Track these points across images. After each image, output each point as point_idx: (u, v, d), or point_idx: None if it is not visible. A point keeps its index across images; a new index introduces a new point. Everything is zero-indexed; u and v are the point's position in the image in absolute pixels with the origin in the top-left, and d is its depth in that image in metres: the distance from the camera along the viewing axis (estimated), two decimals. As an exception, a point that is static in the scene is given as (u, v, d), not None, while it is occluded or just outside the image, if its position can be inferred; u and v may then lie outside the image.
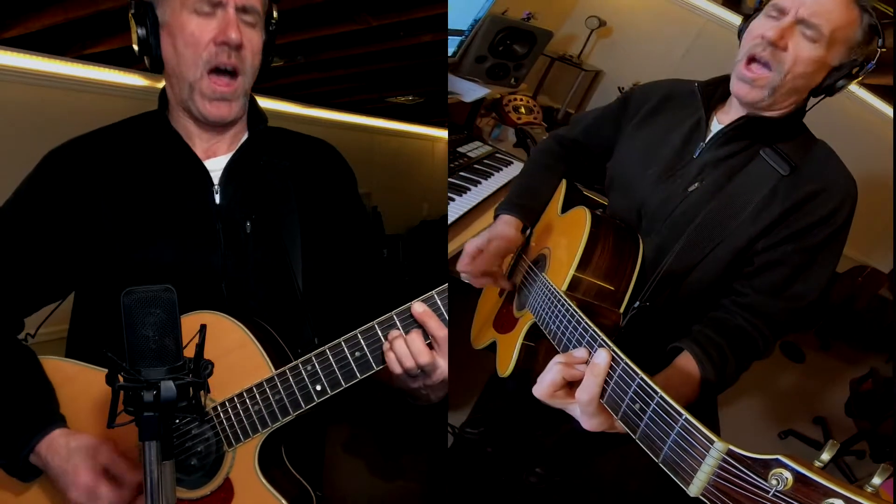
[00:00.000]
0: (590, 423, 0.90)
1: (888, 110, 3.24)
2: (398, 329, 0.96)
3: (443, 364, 0.98)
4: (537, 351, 1.21)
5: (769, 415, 3.29)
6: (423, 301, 0.96)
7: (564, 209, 1.38)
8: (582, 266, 1.16)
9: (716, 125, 1.24)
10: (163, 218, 1.06)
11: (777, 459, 0.59)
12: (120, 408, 0.78)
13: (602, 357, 0.86)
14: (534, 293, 1.22)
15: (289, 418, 0.99)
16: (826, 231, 1.11)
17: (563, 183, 1.47)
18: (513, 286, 1.41)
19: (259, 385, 0.99)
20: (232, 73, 1.03)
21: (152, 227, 1.05)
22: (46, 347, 1.10)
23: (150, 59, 1.06)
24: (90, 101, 3.41)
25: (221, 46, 1.00)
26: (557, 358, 0.93)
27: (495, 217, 1.43)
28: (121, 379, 0.77)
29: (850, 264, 3.92)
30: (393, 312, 0.97)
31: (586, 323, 0.94)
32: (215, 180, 1.09)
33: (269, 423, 0.99)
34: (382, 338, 0.96)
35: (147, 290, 0.76)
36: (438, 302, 0.96)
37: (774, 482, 0.59)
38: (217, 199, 1.08)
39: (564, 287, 1.15)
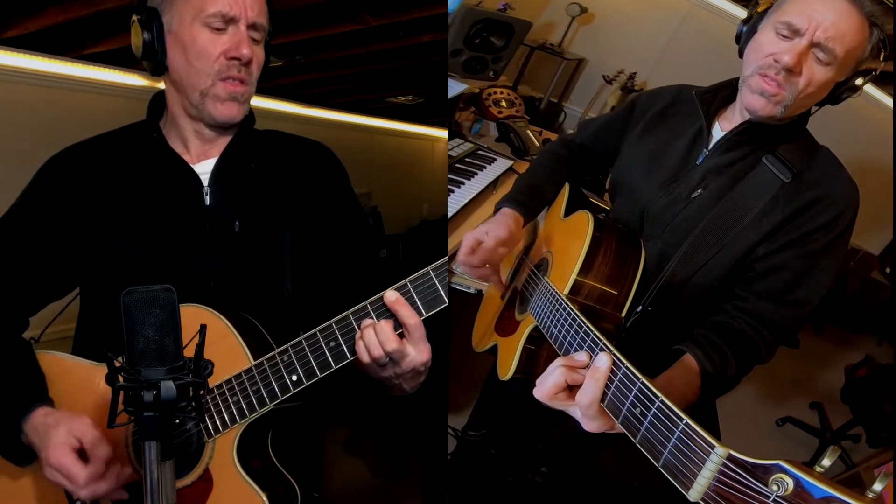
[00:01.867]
0: (590, 425, 0.90)
1: (881, 96, 3.24)
2: (371, 318, 0.97)
3: (412, 352, 0.98)
4: (538, 354, 1.21)
5: (766, 401, 3.30)
6: (396, 289, 0.96)
7: (567, 213, 1.38)
8: (584, 270, 1.16)
9: (718, 131, 1.24)
10: (155, 220, 1.09)
11: (778, 465, 0.59)
12: (120, 407, 0.78)
13: (603, 361, 0.86)
14: (535, 297, 1.22)
15: (266, 409, 1.00)
16: (827, 238, 1.11)
17: (567, 187, 1.47)
18: (514, 289, 1.40)
19: (237, 376, 1.00)
20: (241, 82, 1.07)
21: (145, 230, 1.09)
22: (53, 346, 1.12)
23: (153, 64, 1.09)
24: (90, 101, 3.41)
25: (232, 61, 1.04)
26: (560, 361, 0.93)
27: (495, 211, 1.42)
28: (121, 379, 0.77)
29: (843, 248, 3.93)
30: (367, 301, 0.98)
31: (588, 327, 0.94)
32: (205, 182, 1.11)
33: (247, 414, 1.00)
34: (356, 327, 0.97)
35: (147, 290, 0.76)
36: (412, 290, 0.96)
37: (775, 487, 0.59)
38: (207, 200, 1.11)
39: (566, 291, 1.14)
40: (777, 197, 1.12)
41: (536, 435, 1.81)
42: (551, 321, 1.08)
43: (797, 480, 0.58)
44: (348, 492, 2.78)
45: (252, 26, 1.06)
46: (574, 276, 1.15)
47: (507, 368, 1.22)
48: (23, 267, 1.11)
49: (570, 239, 1.26)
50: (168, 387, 0.76)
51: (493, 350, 1.37)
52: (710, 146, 1.23)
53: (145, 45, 1.07)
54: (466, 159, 2.34)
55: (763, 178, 1.14)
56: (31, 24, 2.65)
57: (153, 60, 1.08)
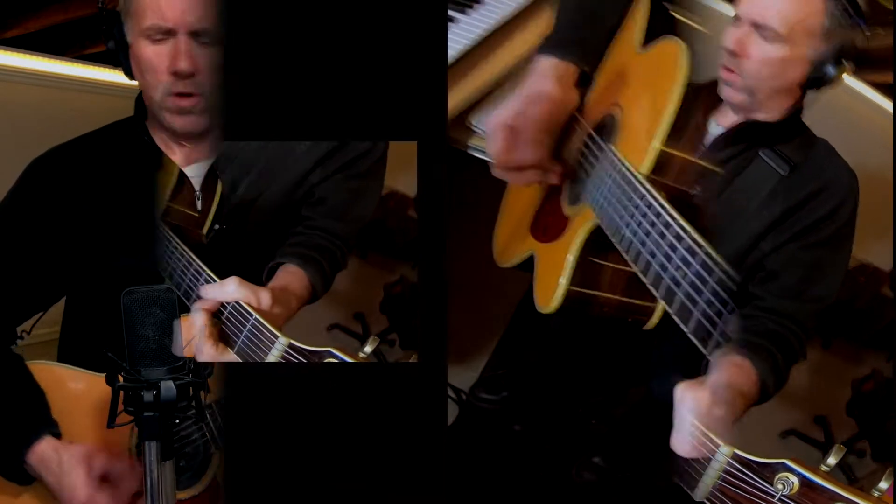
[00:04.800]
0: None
1: (889, 106, 3.23)
2: None
3: None
4: (602, 269, 0.87)
5: (770, 413, 3.27)
6: None
7: (647, 41, 0.94)
8: (676, 134, 0.81)
9: (714, 127, 1.24)
10: (147, 227, 1.07)
11: (783, 464, 0.59)
12: (120, 408, 0.78)
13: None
14: (594, 177, 0.90)
15: None
16: (831, 227, 1.10)
17: (646, 1, 0.98)
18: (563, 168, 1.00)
19: None
20: (189, 95, 1.04)
21: (136, 237, 1.06)
22: (41, 348, 1.10)
23: (123, 69, 1.09)
24: (90, 101, 3.41)
25: (176, 76, 1.01)
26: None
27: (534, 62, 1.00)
28: (121, 379, 0.77)
29: (853, 263, 3.89)
30: None
31: (680, 226, 0.68)
32: (196, 187, 1.09)
33: None
34: None
35: (148, 289, 0.77)
36: None
37: (780, 486, 0.59)
38: (199, 206, 1.09)
39: (647, 168, 0.82)
40: (776, 190, 1.11)
41: (590, 404, 1.21)
42: (620, 216, 0.79)
43: (803, 479, 0.58)
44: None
45: (194, 33, 1.01)
46: (657, 144, 0.81)
47: (551, 293, 0.86)
48: (9, 276, 1.08)
49: (651, 85, 0.89)
50: (168, 387, 0.76)
51: (527, 264, 0.98)
52: (707, 143, 1.23)
53: (110, 53, 1.07)
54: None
55: (760, 173, 1.13)
56: (31, 24, 2.66)
57: (119, 67, 1.08)
